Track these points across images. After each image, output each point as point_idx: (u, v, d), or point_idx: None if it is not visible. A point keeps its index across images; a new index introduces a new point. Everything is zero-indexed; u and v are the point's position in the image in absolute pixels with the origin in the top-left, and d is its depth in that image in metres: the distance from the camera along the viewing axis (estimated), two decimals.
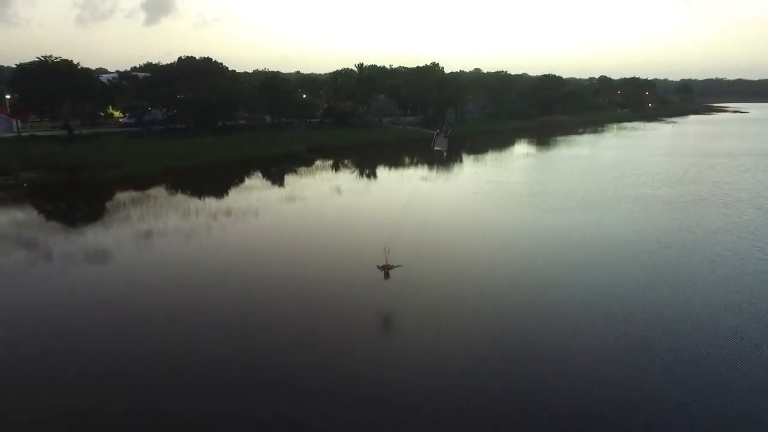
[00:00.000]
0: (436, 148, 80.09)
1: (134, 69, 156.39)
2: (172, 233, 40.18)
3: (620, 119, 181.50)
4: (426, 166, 78.39)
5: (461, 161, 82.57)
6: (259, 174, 70.11)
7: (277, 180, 66.73)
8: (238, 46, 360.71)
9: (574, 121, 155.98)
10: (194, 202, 52.11)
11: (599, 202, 50.46)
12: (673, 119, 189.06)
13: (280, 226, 43.10)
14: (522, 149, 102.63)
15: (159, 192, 56.73)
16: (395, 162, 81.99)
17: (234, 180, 66.21)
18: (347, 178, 67.13)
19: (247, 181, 65.49)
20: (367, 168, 76.68)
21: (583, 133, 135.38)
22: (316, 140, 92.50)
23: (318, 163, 79.43)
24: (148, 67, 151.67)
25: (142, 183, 59.59)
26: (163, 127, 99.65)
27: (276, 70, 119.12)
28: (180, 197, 55.24)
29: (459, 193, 57.80)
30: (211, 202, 52.47)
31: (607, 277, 30.58)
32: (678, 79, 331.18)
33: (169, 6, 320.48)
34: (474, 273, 31.22)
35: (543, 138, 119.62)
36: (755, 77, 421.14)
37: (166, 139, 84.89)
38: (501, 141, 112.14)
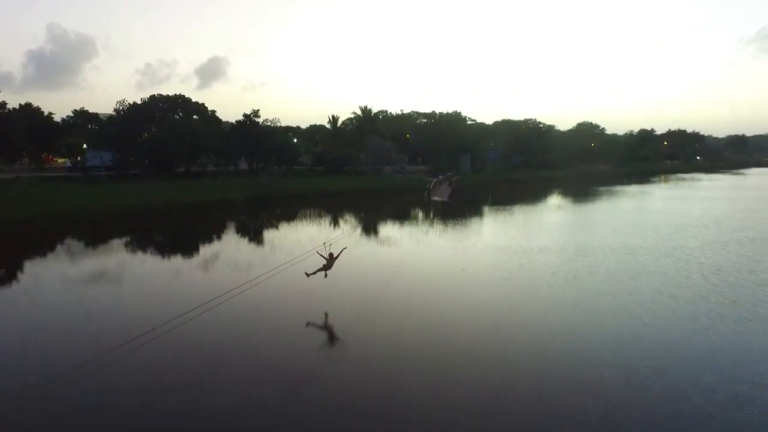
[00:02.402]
0: (433, 198, 55.35)
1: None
2: None
3: (671, 170, 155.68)
4: (405, 222, 53.52)
5: (465, 216, 56.37)
6: (142, 229, 46.53)
7: (150, 238, 42.99)
8: (282, 106, 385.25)
9: (616, 171, 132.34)
10: None
11: (709, 292, 23.77)
12: (738, 171, 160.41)
13: None
14: (554, 201, 76.53)
15: None
16: (366, 215, 57.41)
17: (78, 237, 42.70)
18: (265, 238, 42.32)
19: (99, 239, 41.80)
20: (314, 222, 51.94)
21: (630, 183, 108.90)
22: (270, 188, 72.22)
23: (250, 214, 56.53)
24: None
25: None
26: (114, 172, 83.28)
27: (255, 110, 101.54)
28: None
29: (436, 267, 31.37)
30: None
31: None
32: (723, 135, 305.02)
33: (220, 72, 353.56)
34: None
35: (581, 188, 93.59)
36: None
37: (94, 184, 68.83)
38: (527, 191, 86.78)
